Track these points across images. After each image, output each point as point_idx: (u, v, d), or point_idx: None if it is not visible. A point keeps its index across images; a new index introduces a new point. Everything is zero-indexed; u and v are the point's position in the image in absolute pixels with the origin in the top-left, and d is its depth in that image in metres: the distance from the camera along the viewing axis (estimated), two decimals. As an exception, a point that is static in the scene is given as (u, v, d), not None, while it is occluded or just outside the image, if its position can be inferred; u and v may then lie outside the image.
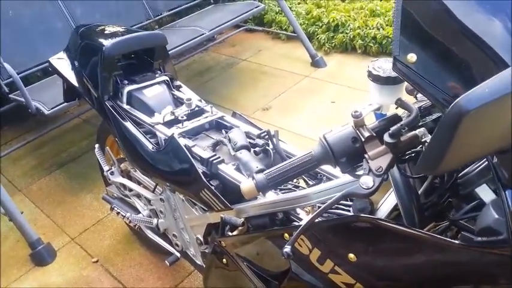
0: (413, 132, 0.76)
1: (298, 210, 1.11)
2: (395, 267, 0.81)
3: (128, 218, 1.66)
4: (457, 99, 0.50)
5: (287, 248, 0.78)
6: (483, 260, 0.68)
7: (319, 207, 1.06)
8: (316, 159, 0.80)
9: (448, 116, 0.51)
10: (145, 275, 2.03)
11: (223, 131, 1.50)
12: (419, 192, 0.87)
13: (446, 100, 0.58)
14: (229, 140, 1.39)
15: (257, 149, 1.33)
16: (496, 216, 0.63)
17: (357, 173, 0.81)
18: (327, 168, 1.21)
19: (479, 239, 0.65)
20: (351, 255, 0.85)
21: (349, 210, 1.02)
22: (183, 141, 1.41)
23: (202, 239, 1.45)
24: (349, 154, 0.78)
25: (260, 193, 0.87)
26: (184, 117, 1.53)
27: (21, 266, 2.19)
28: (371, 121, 0.82)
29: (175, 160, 1.38)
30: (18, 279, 2.12)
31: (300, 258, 0.95)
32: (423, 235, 0.71)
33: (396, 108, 0.79)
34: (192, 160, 1.31)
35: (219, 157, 1.31)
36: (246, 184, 0.84)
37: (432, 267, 0.75)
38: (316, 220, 0.98)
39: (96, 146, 1.83)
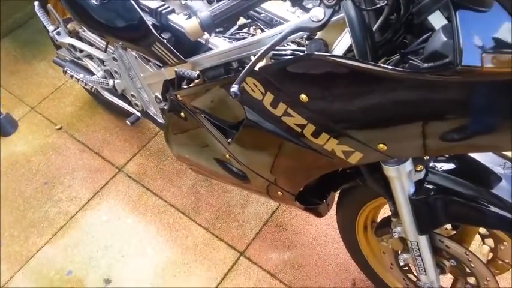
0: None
1: (253, 58, 1.07)
2: (346, 107, 0.81)
3: (82, 80, 1.59)
4: None
5: (234, 88, 0.76)
6: (432, 89, 0.68)
7: (273, 53, 1.03)
8: (263, -11, 0.73)
9: None
10: (111, 138, 2.05)
11: (173, -21, 1.37)
12: (374, 28, 0.83)
13: None
14: (179, -13, 1.28)
15: (210, -4, 1.23)
16: (445, 39, 0.61)
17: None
18: (283, 14, 1.15)
19: (426, 65, 0.64)
20: (303, 96, 0.84)
21: (304, 54, 0.99)
22: (128, -8, 1.28)
23: (161, 97, 1.43)
24: (299, -16, 0.72)
25: (206, 33, 0.81)
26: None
27: (-17, 136, 2.16)
28: None
29: (122, 13, 1.27)
30: (-17, 149, 2.11)
31: (254, 103, 0.95)
32: (372, 67, 0.69)
33: None
34: (140, 11, 1.21)
35: (169, 6, 1.21)
36: (190, 23, 0.78)
37: (382, 105, 0.76)
38: (268, 63, 0.95)
39: (36, 3, 1.66)
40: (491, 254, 1.19)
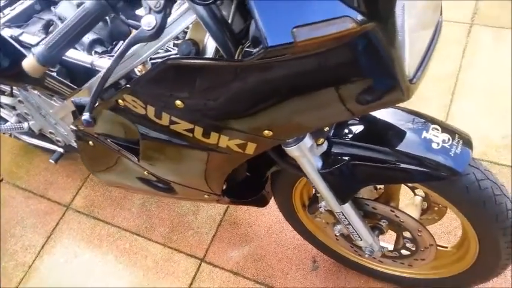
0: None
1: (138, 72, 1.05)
2: (216, 103, 0.80)
3: (-3, 131, 1.55)
4: None
5: (85, 116, 0.74)
6: (273, 70, 0.67)
7: (152, 62, 1.01)
8: (91, 11, 0.71)
9: None
10: (53, 177, 2.00)
11: (52, 8, 1.33)
12: (230, 19, 0.81)
13: None
14: (59, 17, 1.24)
15: (91, 18, 1.20)
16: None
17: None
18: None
19: (255, 50, 0.63)
20: (178, 102, 0.83)
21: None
22: (8, 32, 1.24)
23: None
24: (126, -4, 0.70)
25: (48, 67, 0.78)
26: (5, 2, 1.33)
27: None
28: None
29: (6, 55, 1.23)
30: None
31: (140, 119, 0.93)
32: (214, 62, 0.68)
33: None
34: (22, 50, 1.17)
35: (50, 38, 1.18)
36: (27, 61, 0.75)
37: (244, 94, 0.75)
38: (139, 75, 0.93)
39: None
40: (425, 203, 1.21)
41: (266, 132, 0.83)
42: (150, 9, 0.68)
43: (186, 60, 0.72)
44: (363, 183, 1.00)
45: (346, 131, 1.01)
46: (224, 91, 0.75)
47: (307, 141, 0.94)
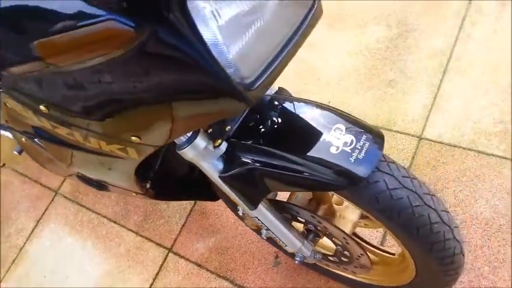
0: None
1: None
2: (67, 106, 0.74)
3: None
4: None
5: None
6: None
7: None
8: None
9: None
10: (46, 163, 2.07)
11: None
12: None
13: None
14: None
15: None
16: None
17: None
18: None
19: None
20: (42, 107, 0.78)
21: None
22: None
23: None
24: None
25: None
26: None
27: None
28: None
29: None
30: None
31: (26, 119, 0.90)
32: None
33: None
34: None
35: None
36: None
37: (88, 99, 0.69)
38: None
39: None
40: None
41: (134, 138, 0.76)
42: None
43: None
44: (266, 189, 0.90)
45: (251, 130, 0.90)
46: (58, 94, 0.69)
47: (200, 142, 0.85)
